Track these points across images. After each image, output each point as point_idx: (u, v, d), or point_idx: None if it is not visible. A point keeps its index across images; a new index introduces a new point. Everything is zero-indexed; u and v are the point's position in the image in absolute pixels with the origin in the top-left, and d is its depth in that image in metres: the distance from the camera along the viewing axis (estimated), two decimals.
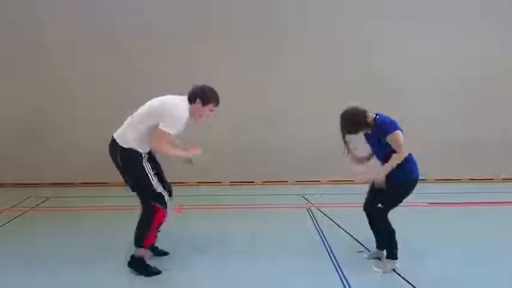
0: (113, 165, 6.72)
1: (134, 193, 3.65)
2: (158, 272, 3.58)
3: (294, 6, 6.78)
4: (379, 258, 3.77)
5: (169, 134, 3.39)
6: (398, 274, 3.50)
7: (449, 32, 6.72)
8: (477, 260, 3.82)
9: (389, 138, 3.32)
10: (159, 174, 3.68)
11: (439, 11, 6.72)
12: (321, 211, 5.30)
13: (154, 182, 3.53)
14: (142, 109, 3.58)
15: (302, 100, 6.74)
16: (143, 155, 3.54)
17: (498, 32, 6.75)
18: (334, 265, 3.73)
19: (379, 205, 3.49)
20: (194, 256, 3.98)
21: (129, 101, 6.52)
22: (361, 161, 3.71)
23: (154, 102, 3.56)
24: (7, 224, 4.93)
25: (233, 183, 6.89)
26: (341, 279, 3.46)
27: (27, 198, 6.04)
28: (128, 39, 6.71)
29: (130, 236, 4.41)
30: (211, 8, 6.73)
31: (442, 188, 6.53)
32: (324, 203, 5.60)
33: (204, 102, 3.55)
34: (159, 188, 3.55)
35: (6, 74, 6.82)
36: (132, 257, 3.61)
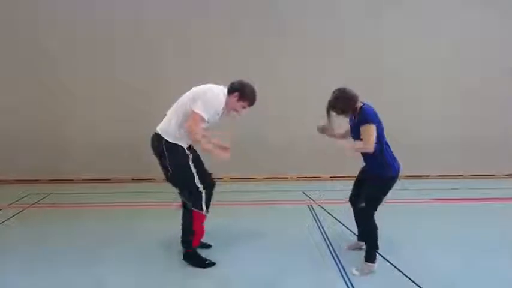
0: (113, 161, 6.80)
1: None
2: (212, 264, 3.65)
3: (294, 5, 6.79)
4: (360, 249, 3.87)
5: (202, 117, 3.36)
6: (400, 271, 3.50)
7: (449, 32, 6.75)
8: (480, 257, 3.81)
9: (362, 128, 3.33)
10: (201, 169, 3.69)
11: (439, 11, 6.75)
12: (322, 207, 5.30)
13: (197, 178, 3.56)
14: (178, 101, 3.60)
15: (303, 96, 6.75)
16: (187, 150, 3.56)
17: (498, 32, 6.77)
18: (336, 262, 3.73)
19: (362, 204, 3.48)
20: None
21: (130, 99, 6.67)
22: (338, 136, 3.81)
23: (188, 92, 3.58)
24: (5, 222, 4.90)
25: (234, 179, 6.89)
26: (342, 276, 3.46)
27: (26, 195, 6.02)
28: (128, 39, 6.71)
29: (131, 233, 4.44)
30: (211, 8, 6.74)
31: (444, 184, 6.54)
32: (325, 200, 5.61)
33: (240, 97, 3.57)
34: (200, 187, 3.58)
35: (7, 74, 6.81)
36: (185, 252, 3.72)
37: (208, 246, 4.06)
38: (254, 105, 6.65)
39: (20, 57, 6.77)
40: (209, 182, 3.75)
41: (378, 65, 6.72)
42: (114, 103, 6.78)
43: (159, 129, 3.60)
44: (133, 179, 6.84)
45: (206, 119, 3.40)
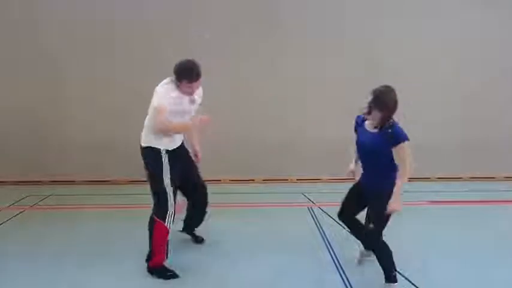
0: (113, 163, 6.76)
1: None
2: (175, 276, 3.52)
3: (295, 5, 6.78)
4: (369, 257, 3.67)
5: (162, 105, 3.40)
6: (399, 273, 3.47)
7: (449, 31, 6.71)
8: (478, 259, 3.83)
9: (398, 147, 2.97)
10: (186, 176, 3.70)
11: (439, 11, 6.72)
12: (321, 209, 5.30)
13: (166, 181, 3.49)
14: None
15: (303, 98, 6.74)
16: (163, 152, 3.54)
17: (499, 31, 6.74)
18: (335, 264, 3.74)
19: (371, 225, 3.16)
20: (193, 254, 3.98)
21: (130, 100, 6.66)
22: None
23: None
24: (5, 223, 4.90)
25: (233, 181, 6.88)
26: (342, 278, 3.47)
27: (26, 196, 6.00)
28: (128, 39, 6.70)
29: (132, 235, 4.44)
30: (212, 8, 6.72)
31: (444, 187, 6.54)
32: (324, 201, 5.60)
33: (178, 81, 3.51)
34: (169, 194, 3.49)
35: (6, 74, 6.78)
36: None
37: (201, 241, 4.12)
38: (253, 106, 6.76)
39: (20, 57, 6.73)
40: (197, 199, 3.80)
41: (377, 66, 6.69)
42: (114, 104, 6.75)
43: (141, 139, 3.67)
44: (132, 181, 6.81)
45: (167, 106, 3.40)
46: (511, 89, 6.86)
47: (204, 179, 4.12)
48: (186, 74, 3.48)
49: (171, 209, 3.50)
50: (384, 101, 3.01)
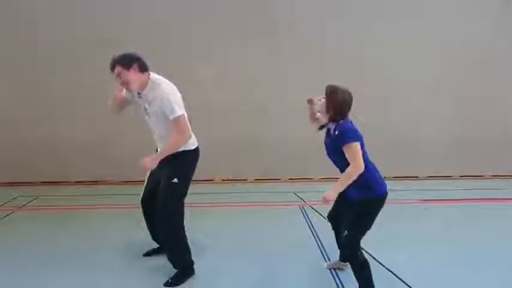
0: (104, 164, 6.69)
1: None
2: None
3: (284, 6, 6.78)
4: (341, 269, 3.53)
5: None
6: (388, 270, 3.50)
7: (448, 32, 6.77)
8: (467, 257, 3.85)
9: (345, 147, 2.84)
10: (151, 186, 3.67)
11: (438, 11, 6.77)
12: (313, 208, 5.31)
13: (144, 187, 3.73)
14: None
15: (295, 97, 6.73)
16: None
17: (496, 32, 6.82)
18: (326, 261, 3.72)
19: (346, 232, 2.93)
20: None
21: None
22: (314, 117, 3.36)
23: None
24: None
25: (225, 180, 6.88)
26: (333, 277, 3.46)
27: (15, 197, 5.95)
28: (127, 39, 6.63)
29: (122, 235, 4.38)
30: (213, 9, 6.72)
31: (434, 185, 6.59)
32: (316, 201, 5.60)
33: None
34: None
35: (5, 74, 6.72)
36: None
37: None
38: (245, 103, 6.73)
39: (20, 57, 6.67)
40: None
41: (371, 64, 6.72)
42: (105, 105, 6.69)
43: None
44: (124, 182, 6.76)
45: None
46: (498, 89, 6.96)
47: (194, 178, 4.06)
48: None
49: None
50: (334, 90, 3.02)
